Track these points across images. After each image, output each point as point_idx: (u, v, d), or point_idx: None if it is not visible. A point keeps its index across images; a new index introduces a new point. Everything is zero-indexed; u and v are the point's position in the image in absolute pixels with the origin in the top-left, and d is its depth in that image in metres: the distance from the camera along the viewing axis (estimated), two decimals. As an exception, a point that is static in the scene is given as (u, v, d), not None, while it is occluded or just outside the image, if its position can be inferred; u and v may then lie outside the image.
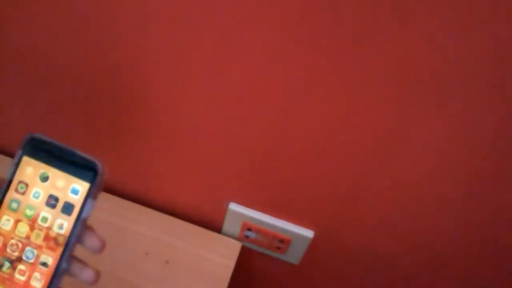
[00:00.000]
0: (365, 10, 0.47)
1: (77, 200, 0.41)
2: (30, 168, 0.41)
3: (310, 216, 0.74)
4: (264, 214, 0.76)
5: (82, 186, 0.41)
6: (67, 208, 0.41)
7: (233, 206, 0.76)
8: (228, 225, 0.80)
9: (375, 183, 0.65)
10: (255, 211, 0.76)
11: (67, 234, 0.41)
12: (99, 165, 0.40)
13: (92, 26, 0.59)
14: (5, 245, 0.41)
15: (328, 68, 0.53)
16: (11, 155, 0.84)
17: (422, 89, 0.52)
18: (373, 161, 0.62)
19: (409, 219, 0.68)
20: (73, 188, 0.41)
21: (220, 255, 0.79)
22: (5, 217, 0.41)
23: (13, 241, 0.41)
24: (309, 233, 0.76)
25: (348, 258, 0.80)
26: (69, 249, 0.41)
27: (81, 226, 0.41)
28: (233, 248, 0.81)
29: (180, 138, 0.70)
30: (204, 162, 0.72)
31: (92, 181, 0.41)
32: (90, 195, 0.41)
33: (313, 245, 0.78)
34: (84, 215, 0.41)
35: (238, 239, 0.82)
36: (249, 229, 0.78)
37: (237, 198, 0.76)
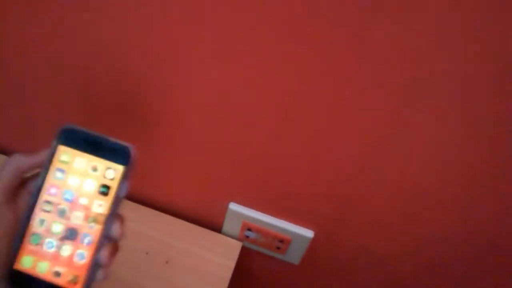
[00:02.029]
0: (365, 10, 0.47)
1: (112, 182, 0.44)
2: (66, 156, 0.44)
3: (310, 216, 0.74)
4: (264, 214, 0.76)
5: (116, 169, 0.44)
6: (104, 190, 0.44)
7: (233, 206, 0.77)
8: (228, 225, 0.80)
9: (375, 183, 0.65)
10: (255, 211, 0.76)
11: (106, 213, 0.43)
12: (131, 148, 0.44)
13: (95, 29, 0.59)
14: (48, 226, 0.44)
15: (327, 68, 0.53)
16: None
17: (422, 89, 0.52)
18: (373, 161, 0.62)
19: (409, 219, 0.68)
20: (108, 171, 0.44)
21: (221, 255, 0.79)
22: (45, 203, 0.44)
23: (55, 223, 0.44)
24: (309, 233, 0.76)
25: (348, 258, 0.80)
26: (108, 227, 0.43)
27: (118, 206, 0.44)
28: (233, 248, 0.81)
29: (180, 138, 0.70)
30: (204, 162, 0.72)
31: (125, 164, 0.44)
32: (125, 176, 0.44)
33: (313, 245, 0.78)
34: (120, 195, 0.44)
35: (238, 239, 0.82)
36: (249, 229, 0.78)
37: (237, 198, 0.76)
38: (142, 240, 0.78)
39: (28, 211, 0.43)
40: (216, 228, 0.82)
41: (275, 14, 0.50)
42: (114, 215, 0.44)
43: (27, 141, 0.81)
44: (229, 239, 0.82)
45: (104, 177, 0.44)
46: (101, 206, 0.44)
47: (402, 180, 0.63)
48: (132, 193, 0.82)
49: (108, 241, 0.44)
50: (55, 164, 0.44)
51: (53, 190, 0.44)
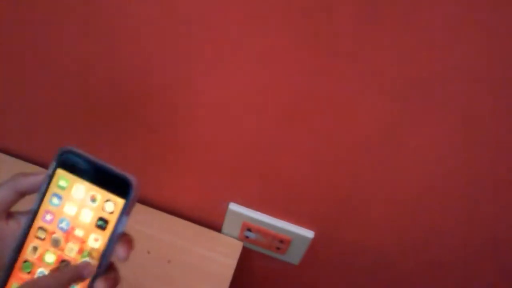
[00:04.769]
0: (365, 10, 0.47)
1: (111, 216, 0.41)
2: (64, 181, 0.41)
3: (310, 216, 0.74)
4: (264, 214, 0.76)
5: (115, 202, 0.41)
6: (102, 223, 0.41)
7: (233, 206, 0.77)
8: (228, 225, 0.80)
9: (375, 183, 0.65)
10: (255, 211, 0.76)
11: (101, 249, 0.41)
12: (133, 181, 0.40)
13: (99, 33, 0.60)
14: (41, 256, 0.41)
15: (328, 69, 0.54)
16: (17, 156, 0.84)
17: (422, 89, 0.52)
18: (373, 161, 0.62)
19: (409, 219, 0.68)
20: (108, 204, 0.41)
21: (222, 254, 0.79)
22: (40, 229, 0.41)
23: (48, 252, 0.41)
24: (309, 233, 0.76)
25: (348, 258, 0.80)
26: (103, 264, 0.41)
27: (115, 241, 0.41)
28: (235, 248, 0.81)
29: (181, 139, 0.70)
30: (204, 162, 0.72)
31: (126, 197, 0.40)
32: (125, 211, 0.41)
33: (313, 245, 0.78)
34: (118, 231, 0.41)
35: (238, 239, 0.82)
36: (249, 229, 0.79)
37: (237, 198, 0.76)
38: (144, 240, 0.78)
39: (22, 236, 0.41)
40: (216, 228, 0.82)
41: (276, 15, 0.51)
42: (110, 250, 0.41)
43: (26, 140, 0.82)
44: (230, 238, 0.82)
45: (103, 209, 0.41)
46: (97, 241, 0.41)
47: (402, 180, 0.63)
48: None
49: (107, 271, 0.41)
50: (53, 188, 0.41)
51: (48, 217, 0.41)
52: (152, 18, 0.56)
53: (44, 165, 0.84)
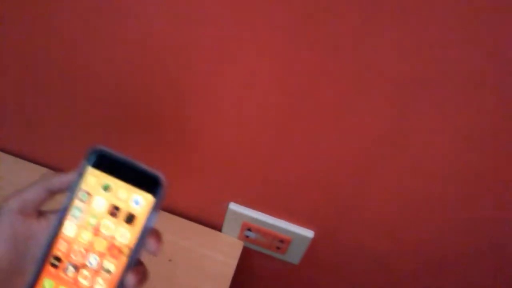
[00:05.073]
0: (365, 11, 0.47)
1: (139, 211, 0.41)
2: (94, 179, 0.42)
3: (310, 216, 0.74)
4: (264, 214, 0.76)
5: (144, 198, 0.41)
6: (129, 218, 0.42)
7: (233, 206, 0.77)
8: (228, 225, 0.80)
9: (375, 183, 0.65)
10: (255, 211, 0.77)
11: (131, 244, 0.41)
12: (163, 178, 0.42)
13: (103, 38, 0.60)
14: (69, 251, 0.42)
15: (328, 70, 0.54)
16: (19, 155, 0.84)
17: (423, 89, 0.52)
18: (373, 161, 0.62)
19: (409, 220, 0.68)
20: (136, 199, 0.42)
21: (223, 253, 0.80)
22: (69, 225, 0.42)
23: (77, 247, 0.42)
24: (309, 233, 0.76)
25: (348, 258, 0.80)
26: (133, 259, 0.41)
27: (145, 237, 0.41)
28: (235, 247, 0.81)
29: (181, 139, 0.70)
30: (205, 162, 0.72)
31: (155, 194, 0.42)
32: (155, 208, 0.41)
33: (313, 245, 0.78)
34: (149, 226, 0.41)
35: (238, 239, 0.82)
36: (249, 229, 0.79)
37: (237, 198, 0.76)
38: (144, 239, 0.78)
39: (53, 233, 0.42)
40: (216, 228, 0.82)
41: (276, 15, 0.51)
42: (141, 245, 0.41)
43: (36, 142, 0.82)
44: (231, 237, 0.82)
45: (132, 206, 0.42)
46: (127, 236, 0.42)
47: (402, 180, 0.63)
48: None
49: (137, 265, 0.42)
50: (83, 186, 0.42)
51: (78, 214, 0.42)
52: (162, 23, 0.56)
53: (45, 166, 0.84)
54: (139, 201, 0.41)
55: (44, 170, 0.84)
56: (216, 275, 0.77)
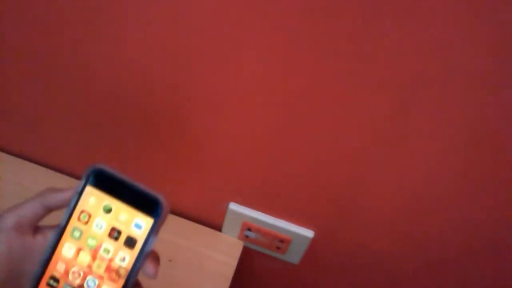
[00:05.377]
0: (365, 10, 0.47)
1: (140, 235, 0.41)
2: (93, 198, 0.41)
3: (310, 216, 0.74)
4: (264, 214, 0.76)
5: (145, 221, 0.41)
6: (130, 242, 0.41)
7: (233, 206, 0.77)
8: (228, 225, 0.80)
9: (375, 183, 0.65)
10: (255, 211, 0.77)
11: (129, 267, 0.41)
12: (163, 201, 0.41)
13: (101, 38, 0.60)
14: (67, 272, 0.41)
15: (328, 70, 0.54)
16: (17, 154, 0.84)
17: (423, 89, 0.52)
18: (373, 161, 0.62)
19: (409, 219, 0.68)
20: (136, 223, 0.41)
21: (223, 253, 0.80)
22: (67, 245, 0.41)
23: (75, 268, 0.41)
24: (309, 233, 0.76)
25: (347, 258, 0.80)
26: (130, 283, 0.41)
27: (142, 260, 0.41)
28: (235, 247, 0.81)
29: (181, 139, 0.70)
30: (205, 162, 0.72)
31: (155, 217, 0.41)
32: (153, 231, 0.41)
33: (313, 245, 0.78)
34: (146, 250, 0.41)
35: (238, 239, 0.82)
36: (249, 229, 0.79)
37: (237, 198, 0.76)
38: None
39: (50, 251, 0.41)
40: (216, 228, 0.82)
41: (276, 15, 0.51)
42: (138, 269, 0.41)
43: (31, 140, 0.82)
44: (231, 237, 0.82)
45: (131, 228, 0.41)
46: (125, 259, 0.41)
47: (402, 180, 0.63)
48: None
49: None
50: (81, 205, 0.41)
51: (76, 234, 0.41)
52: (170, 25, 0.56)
53: (45, 166, 0.84)
54: (140, 224, 0.41)
55: (44, 170, 0.84)
56: (216, 275, 0.77)
